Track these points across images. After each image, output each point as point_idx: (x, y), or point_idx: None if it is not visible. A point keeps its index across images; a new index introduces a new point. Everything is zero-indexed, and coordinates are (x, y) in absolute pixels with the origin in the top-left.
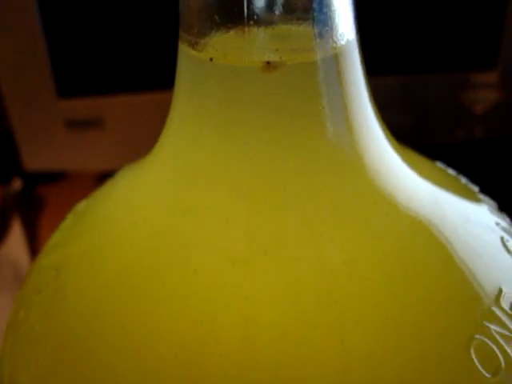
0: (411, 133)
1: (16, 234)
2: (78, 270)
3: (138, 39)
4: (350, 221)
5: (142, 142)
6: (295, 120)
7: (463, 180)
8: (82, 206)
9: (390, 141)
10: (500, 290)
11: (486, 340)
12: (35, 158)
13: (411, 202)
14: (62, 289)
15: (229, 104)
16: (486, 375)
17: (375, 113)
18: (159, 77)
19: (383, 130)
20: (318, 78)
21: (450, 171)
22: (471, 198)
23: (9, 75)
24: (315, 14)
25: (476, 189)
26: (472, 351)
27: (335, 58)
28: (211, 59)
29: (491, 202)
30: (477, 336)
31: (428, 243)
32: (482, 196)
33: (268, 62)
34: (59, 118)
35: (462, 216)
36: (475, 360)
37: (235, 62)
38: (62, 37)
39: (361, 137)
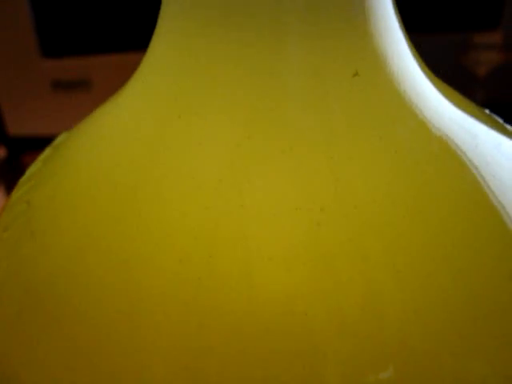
0: None
1: (1, 203)
2: (52, 203)
3: None
4: (369, 130)
5: None
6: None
7: (486, 110)
8: (61, 138)
9: (414, 55)
10: None
11: None
12: (20, 123)
13: (440, 121)
14: (33, 222)
15: None
16: None
17: (400, 24)
18: (147, 36)
19: (408, 43)
20: None
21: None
22: (500, 129)
23: None
24: None
25: (501, 120)
26: None
27: None
28: None
29: None
30: None
31: (459, 171)
32: (509, 127)
33: None
34: (44, 79)
35: (496, 147)
36: None
37: None
38: None
39: (382, 35)
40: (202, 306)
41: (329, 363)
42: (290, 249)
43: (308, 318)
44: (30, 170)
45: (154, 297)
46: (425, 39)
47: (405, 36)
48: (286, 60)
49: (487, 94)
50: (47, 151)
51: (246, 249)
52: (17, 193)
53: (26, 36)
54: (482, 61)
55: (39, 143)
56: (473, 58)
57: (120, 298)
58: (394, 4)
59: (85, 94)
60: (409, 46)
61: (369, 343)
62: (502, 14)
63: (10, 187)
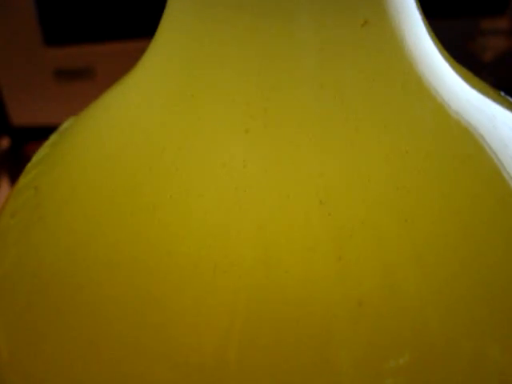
0: None
1: (4, 193)
2: (60, 188)
3: None
4: (386, 110)
5: None
6: None
7: (502, 93)
8: (67, 123)
9: (433, 38)
10: None
11: None
12: (23, 112)
13: (458, 104)
14: (41, 207)
15: None
16: None
17: (418, 7)
18: (151, 24)
19: (427, 26)
20: None
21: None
22: None
23: None
24: None
25: None
26: None
27: None
28: None
29: None
30: None
31: (477, 154)
32: None
33: None
34: (47, 67)
35: None
36: None
37: None
38: None
39: (399, 16)
40: (217, 288)
41: (342, 349)
42: (304, 232)
43: (322, 302)
44: (37, 156)
45: (168, 283)
46: (431, 25)
47: (423, 19)
48: (296, 38)
49: (494, 80)
50: (54, 136)
51: (264, 229)
52: (24, 178)
53: (29, 24)
54: (488, 46)
55: (43, 133)
56: (479, 43)
57: (132, 283)
58: None
59: (88, 83)
60: (427, 29)
61: (384, 329)
62: (510, 0)
63: (13, 177)
